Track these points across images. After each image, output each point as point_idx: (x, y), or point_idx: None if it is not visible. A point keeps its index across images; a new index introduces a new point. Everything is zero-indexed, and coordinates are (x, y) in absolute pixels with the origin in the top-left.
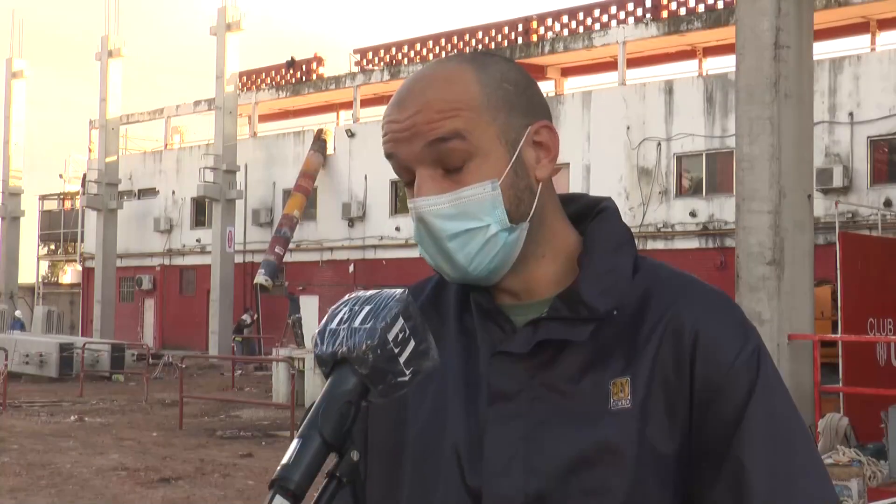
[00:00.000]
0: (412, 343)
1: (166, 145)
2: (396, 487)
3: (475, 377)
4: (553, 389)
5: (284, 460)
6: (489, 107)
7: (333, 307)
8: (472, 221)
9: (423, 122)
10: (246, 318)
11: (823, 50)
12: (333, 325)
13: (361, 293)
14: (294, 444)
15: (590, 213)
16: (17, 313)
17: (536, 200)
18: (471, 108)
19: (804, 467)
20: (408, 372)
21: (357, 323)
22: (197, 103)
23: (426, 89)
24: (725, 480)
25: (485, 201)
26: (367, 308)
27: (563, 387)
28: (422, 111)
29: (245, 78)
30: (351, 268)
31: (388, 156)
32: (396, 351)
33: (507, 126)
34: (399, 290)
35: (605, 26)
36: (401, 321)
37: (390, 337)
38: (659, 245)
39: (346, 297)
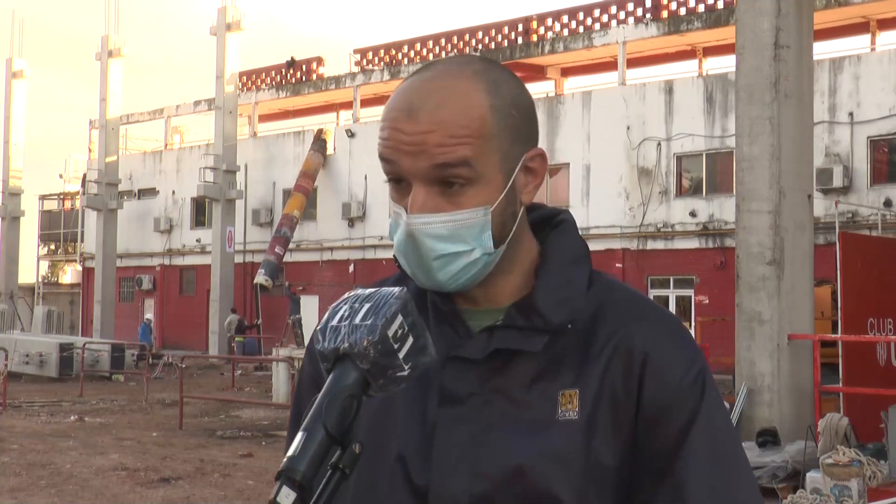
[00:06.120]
0: (411, 339)
1: (166, 145)
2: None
3: (426, 378)
4: (504, 395)
5: (290, 452)
6: (497, 135)
7: (334, 305)
8: (460, 245)
9: (434, 144)
10: (233, 318)
11: (823, 50)
12: (334, 322)
13: (361, 291)
14: (299, 436)
15: (548, 224)
16: (148, 317)
17: (517, 224)
18: (482, 136)
19: (741, 484)
20: (406, 367)
21: (358, 320)
22: (197, 103)
23: (441, 107)
24: (667, 495)
25: (475, 226)
26: (367, 305)
27: (513, 393)
28: (435, 131)
29: (245, 78)
30: (351, 268)
31: (384, 159)
32: (396, 346)
33: (509, 154)
34: (398, 289)
35: (605, 26)
36: (400, 318)
37: (390, 333)
38: (659, 245)
39: (346, 295)
